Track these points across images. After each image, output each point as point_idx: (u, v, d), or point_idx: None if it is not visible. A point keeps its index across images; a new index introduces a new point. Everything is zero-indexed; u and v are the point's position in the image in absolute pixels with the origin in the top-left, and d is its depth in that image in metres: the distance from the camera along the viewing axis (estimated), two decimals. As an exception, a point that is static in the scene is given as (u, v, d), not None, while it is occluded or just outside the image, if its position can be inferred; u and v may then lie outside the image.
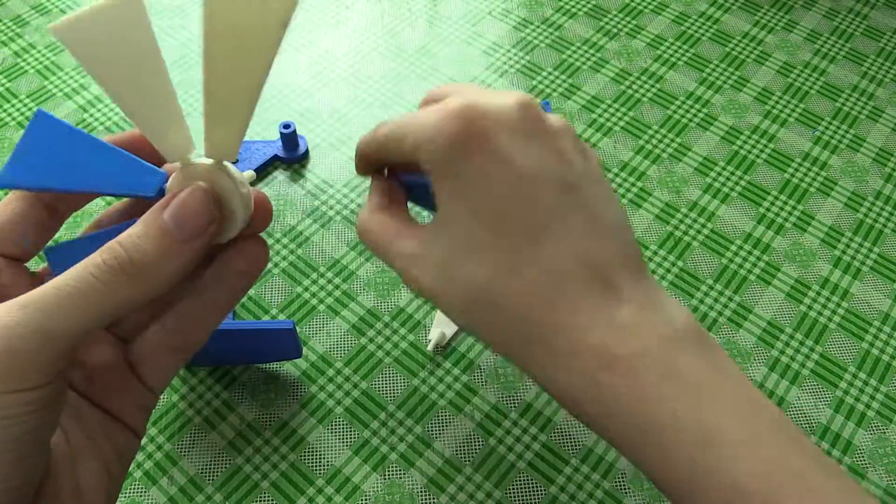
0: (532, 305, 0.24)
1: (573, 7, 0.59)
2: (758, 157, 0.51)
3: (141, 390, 0.25)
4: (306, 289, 0.43)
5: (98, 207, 0.46)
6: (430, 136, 0.24)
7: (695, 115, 0.53)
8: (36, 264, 0.26)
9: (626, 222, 0.26)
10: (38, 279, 0.25)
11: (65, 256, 0.24)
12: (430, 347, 0.40)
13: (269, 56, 0.21)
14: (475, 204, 0.24)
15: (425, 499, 0.36)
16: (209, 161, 0.23)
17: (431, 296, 0.26)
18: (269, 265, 0.44)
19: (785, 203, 0.48)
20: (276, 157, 0.49)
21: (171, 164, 0.24)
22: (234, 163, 0.23)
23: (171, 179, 0.23)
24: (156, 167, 0.23)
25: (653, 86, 0.54)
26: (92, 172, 0.22)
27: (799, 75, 0.55)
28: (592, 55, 0.56)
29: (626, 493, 0.37)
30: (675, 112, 0.53)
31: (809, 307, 0.44)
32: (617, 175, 0.49)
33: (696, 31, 0.58)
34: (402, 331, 0.42)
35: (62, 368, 0.19)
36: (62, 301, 0.19)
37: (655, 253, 0.46)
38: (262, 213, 0.25)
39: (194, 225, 0.21)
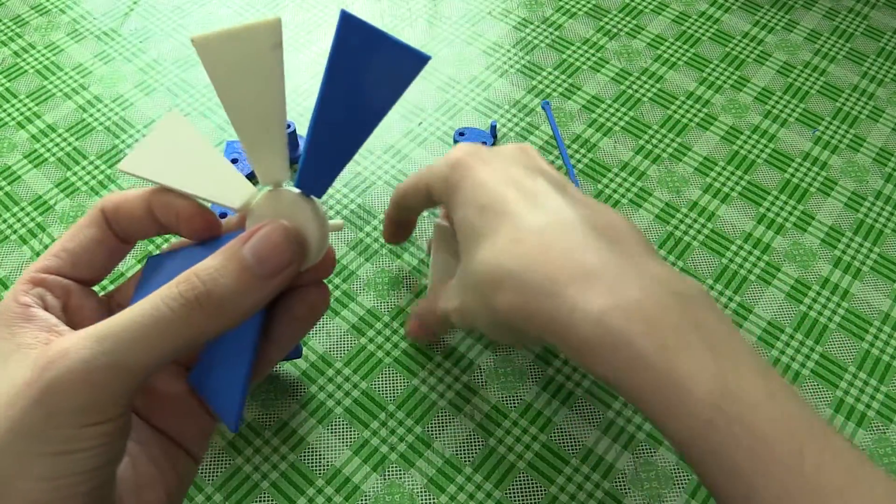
0: (533, 263, 0.26)
1: (573, 7, 0.59)
2: (758, 157, 0.50)
3: (203, 416, 0.25)
4: (306, 289, 0.43)
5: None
6: (439, 170, 0.32)
7: (695, 115, 0.53)
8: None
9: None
10: (104, 303, 0.25)
11: (157, 266, 0.24)
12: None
13: (276, 78, 0.21)
14: (477, 199, 0.29)
15: (425, 499, 0.36)
16: (296, 191, 0.23)
17: (461, 310, 0.30)
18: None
19: (785, 203, 0.48)
20: (275, 157, 0.49)
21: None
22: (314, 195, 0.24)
23: (256, 199, 0.23)
24: (248, 183, 0.23)
25: (653, 86, 0.54)
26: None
27: (799, 75, 0.55)
28: (592, 55, 0.56)
29: (626, 493, 0.37)
30: (675, 112, 0.53)
31: (809, 307, 0.44)
32: (617, 175, 0.49)
33: (696, 31, 0.58)
34: (402, 331, 0.42)
35: (132, 400, 0.19)
36: (137, 334, 0.19)
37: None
38: (328, 260, 0.25)
39: (275, 263, 0.21)
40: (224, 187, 0.23)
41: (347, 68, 0.21)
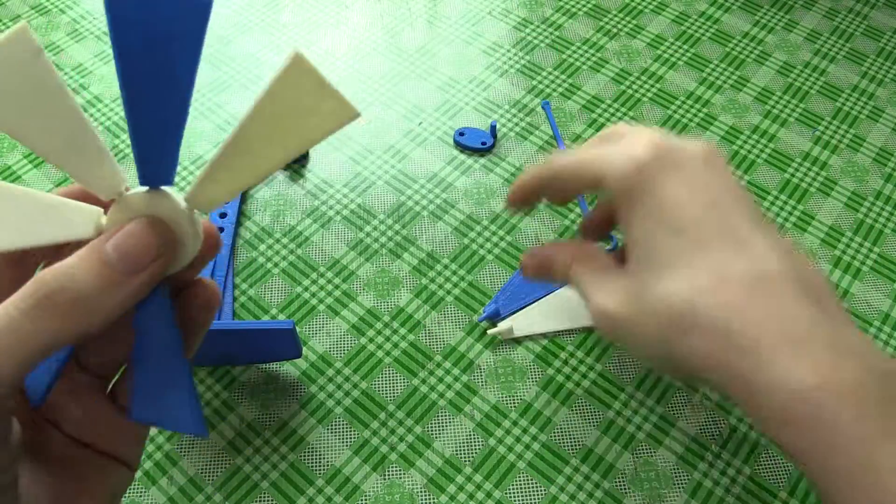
0: (735, 315, 0.24)
1: (573, 7, 0.59)
2: (758, 157, 0.50)
3: (131, 425, 0.24)
4: (306, 289, 0.43)
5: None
6: (620, 165, 0.27)
7: (695, 115, 0.53)
8: None
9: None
10: None
11: None
12: (491, 331, 0.41)
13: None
14: (672, 220, 0.25)
15: (425, 499, 0.36)
16: (144, 189, 0.21)
17: (620, 322, 0.26)
18: (269, 265, 0.44)
19: (785, 203, 0.48)
20: (275, 157, 0.49)
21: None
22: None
23: (108, 214, 0.21)
24: (90, 206, 0.21)
25: (653, 86, 0.54)
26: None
27: (799, 75, 0.55)
28: (592, 55, 0.56)
29: (626, 493, 0.37)
30: (675, 112, 0.53)
31: (809, 307, 0.44)
32: (617, 175, 0.49)
33: (696, 31, 0.58)
34: (402, 331, 0.42)
35: (2, 409, 0.18)
36: None
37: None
38: (209, 240, 0.23)
39: (140, 257, 0.19)
40: (62, 222, 0.20)
41: (130, 40, 0.19)
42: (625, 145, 0.27)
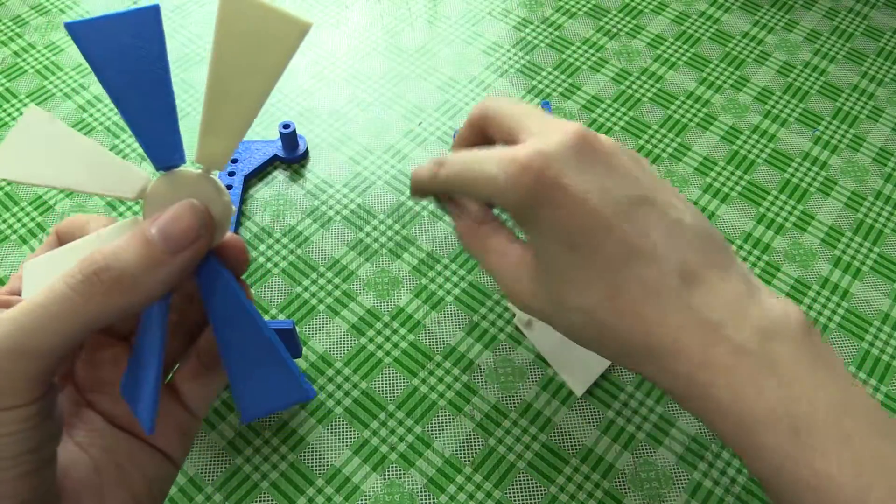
0: (635, 320, 0.25)
1: (573, 7, 0.59)
2: (758, 156, 0.50)
3: (180, 414, 0.25)
4: (306, 289, 0.43)
5: (96, 208, 0.46)
6: (503, 189, 0.26)
7: (695, 115, 0.53)
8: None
9: (702, 217, 0.28)
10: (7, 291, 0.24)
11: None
12: (519, 322, 0.42)
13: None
14: (563, 242, 0.26)
15: (425, 499, 0.36)
16: (192, 169, 0.22)
17: (542, 317, 0.28)
18: (269, 265, 0.44)
19: (785, 203, 0.48)
20: (275, 157, 0.49)
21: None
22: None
23: (153, 183, 0.22)
24: (139, 170, 0.23)
25: (653, 86, 0.54)
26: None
27: (799, 75, 0.55)
28: (592, 55, 0.56)
29: (625, 493, 0.37)
30: (675, 112, 0.53)
31: (809, 307, 0.44)
32: (617, 175, 0.49)
33: (696, 31, 0.58)
34: (402, 331, 0.42)
35: (47, 383, 0.19)
36: (38, 316, 0.19)
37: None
38: (238, 253, 0.24)
39: (182, 236, 0.21)
40: (113, 178, 0.22)
41: (103, 58, 0.21)
42: (505, 163, 0.26)
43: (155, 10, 0.21)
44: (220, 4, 0.20)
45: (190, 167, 0.23)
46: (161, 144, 0.22)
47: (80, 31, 0.21)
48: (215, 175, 0.23)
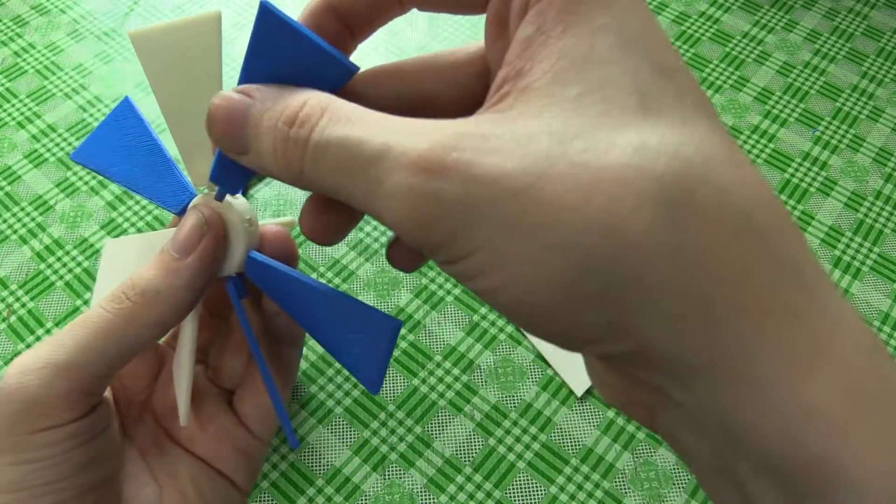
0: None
1: (573, 7, 0.59)
2: (758, 157, 0.50)
3: (243, 437, 0.25)
4: (306, 289, 0.43)
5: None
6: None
7: (695, 115, 0.53)
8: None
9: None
10: None
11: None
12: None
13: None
14: (656, 55, 0.15)
15: (425, 499, 0.36)
16: (202, 194, 0.24)
17: (525, 184, 0.13)
18: (269, 265, 0.44)
19: (785, 203, 0.48)
20: (275, 157, 0.49)
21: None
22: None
23: (191, 203, 0.24)
24: (190, 188, 0.24)
25: (653, 86, 0.54)
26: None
27: (799, 75, 0.55)
28: (592, 55, 0.56)
29: (626, 493, 0.37)
30: (675, 112, 0.53)
31: (809, 307, 0.44)
32: (617, 175, 0.49)
33: (696, 31, 0.58)
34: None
35: (91, 402, 0.20)
36: (77, 337, 0.20)
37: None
38: (281, 243, 0.26)
39: (184, 239, 0.22)
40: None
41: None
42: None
43: (126, 102, 0.23)
44: (133, 44, 0.21)
45: (198, 193, 0.24)
46: (170, 194, 0.24)
47: (81, 157, 0.23)
48: (238, 201, 0.24)
